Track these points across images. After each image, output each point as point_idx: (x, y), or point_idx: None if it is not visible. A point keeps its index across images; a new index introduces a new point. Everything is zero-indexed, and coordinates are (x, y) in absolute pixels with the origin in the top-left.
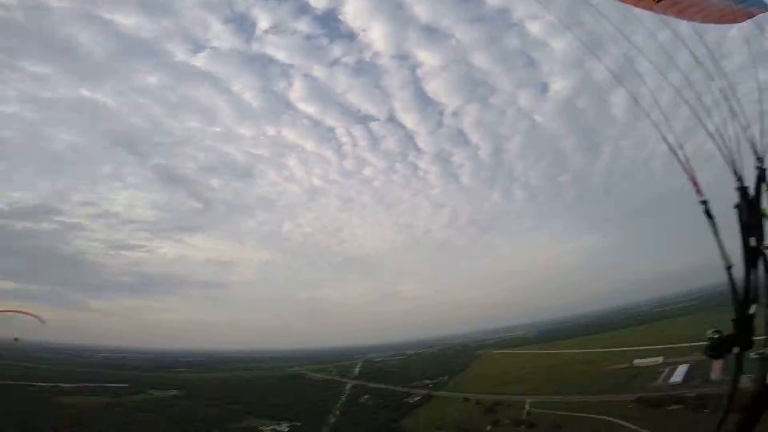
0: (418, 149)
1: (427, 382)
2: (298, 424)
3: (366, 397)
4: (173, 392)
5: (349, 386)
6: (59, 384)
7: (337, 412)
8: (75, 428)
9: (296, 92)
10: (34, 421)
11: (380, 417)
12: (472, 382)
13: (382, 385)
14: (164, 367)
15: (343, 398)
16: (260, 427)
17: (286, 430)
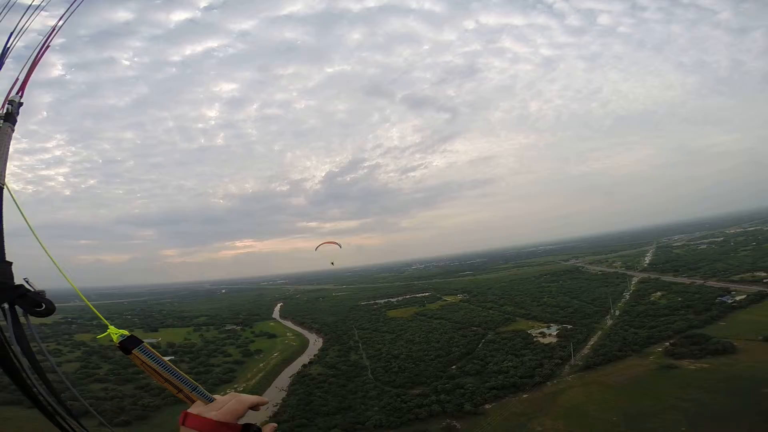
0: None
1: (762, 275)
2: (568, 326)
3: (658, 294)
4: (460, 296)
5: (635, 280)
6: (391, 299)
7: (617, 313)
8: (398, 334)
9: None
10: (376, 327)
11: (677, 320)
12: None
13: (682, 279)
14: (453, 272)
15: (627, 296)
16: (528, 330)
17: (554, 333)
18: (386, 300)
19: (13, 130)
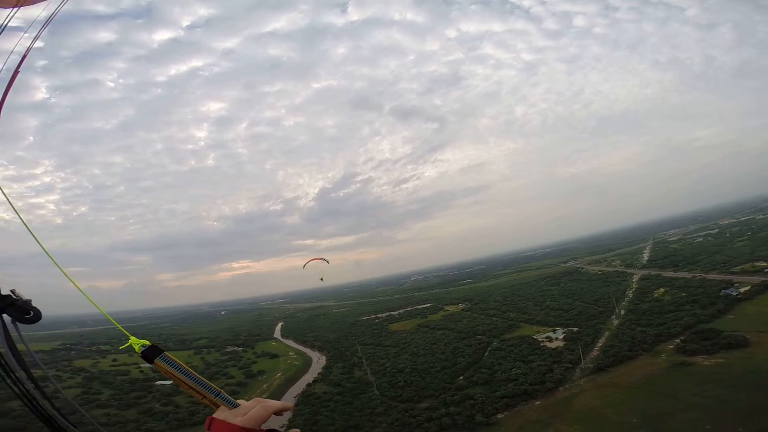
0: None
1: (763, 264)
2: (574, 329)
3: (661, 290)
4: (461, 306)
5: (636, 278)
6: (392, 312)
7: (622, 312)
8: (402, 347)
9: None
10: (379, 341)
11: (684, 315)
12: None
13: (683, 273)
14: (452, 282)
15: (630, 294)
16: (534, 336)
17: (561, 336)
18: (387, 313)
19: None
